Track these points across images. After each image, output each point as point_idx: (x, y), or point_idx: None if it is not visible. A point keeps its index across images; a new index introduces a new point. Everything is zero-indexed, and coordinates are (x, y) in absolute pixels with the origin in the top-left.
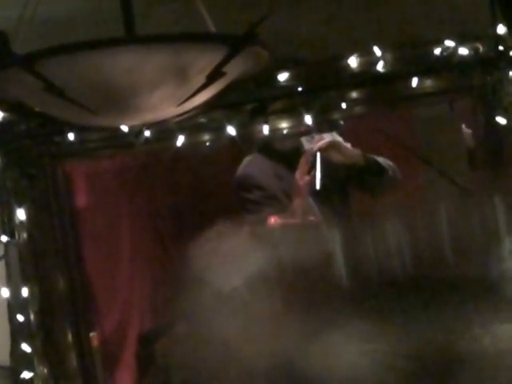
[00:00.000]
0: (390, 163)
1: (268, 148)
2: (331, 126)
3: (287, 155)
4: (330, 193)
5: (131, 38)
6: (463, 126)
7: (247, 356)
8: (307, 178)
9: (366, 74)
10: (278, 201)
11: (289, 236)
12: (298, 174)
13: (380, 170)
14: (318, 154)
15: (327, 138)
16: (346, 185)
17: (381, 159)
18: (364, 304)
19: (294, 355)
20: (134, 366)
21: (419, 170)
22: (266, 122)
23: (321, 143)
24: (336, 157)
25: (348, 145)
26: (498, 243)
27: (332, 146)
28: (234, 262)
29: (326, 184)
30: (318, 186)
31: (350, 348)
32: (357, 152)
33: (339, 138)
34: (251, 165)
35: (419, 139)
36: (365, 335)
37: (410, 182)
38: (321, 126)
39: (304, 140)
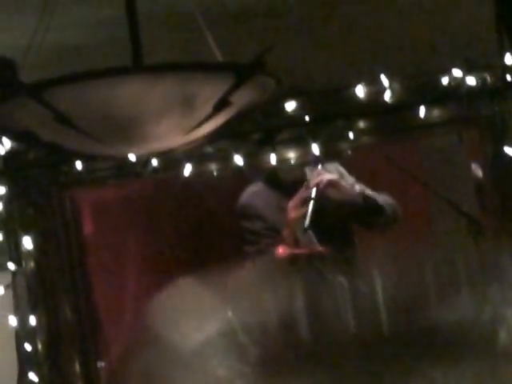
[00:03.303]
0: (390, 202)
1: (272, 178)
2: (338, 156)
3: (290, 186)
4: (331, 227)
5: (138, 67)
6: (471, 155)
7: None
8: (299, 211)
9: (373, 103)
10: (278, 232)
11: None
12: (290, 206)
13: (378, 209)
14: (313, 192)
15: (327, 174)
16: (346, 221)
17: (381, 198)
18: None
19: None
20: None
21: (426, 200)
22: (273, 152)
23: (318, 181)
24: (334, 194)
25: (350, 179)
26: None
27: (330, 184)
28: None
29: (326, 219)
30: (306, 225)
31: None
32: (356, 190)
33: (341, 171)
34: (254, 194)
35: (426, 169)
36: None
37: (417, 211)
38: (328, 155)
39: (308, 170)
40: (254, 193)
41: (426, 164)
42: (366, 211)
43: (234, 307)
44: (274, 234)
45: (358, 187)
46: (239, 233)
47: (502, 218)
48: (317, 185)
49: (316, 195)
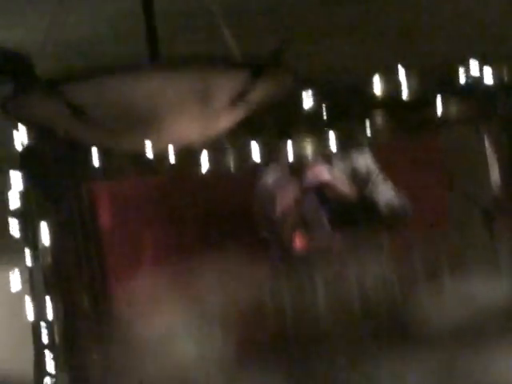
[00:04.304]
0: (396, 202)
1: (295, 165)
2: (355, 150)
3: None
4: (350, 219)
5: (155, 62)
6: (488, 150)
7: None
8: (285, 207)
9: (391, 96)
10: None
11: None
12: (279, 204)
13: (375, 210)
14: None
15: (322, 174)
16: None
17: (385, 199)
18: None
19: None
20: None
21: (444, 192)
22: (291, 146)
23: (311, 181)
24: (328, 193)
25: (378, 174)
26: None
27: (323, 186)
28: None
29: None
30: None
31: None
32: (350, 190)
33: (369, 163)
34: (273, 176)
35: (443, 162)
36: None
37: (435, 204)
38: (345, 149)
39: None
40: (273, 175)
41: (442, 157)
42: (363, 210)
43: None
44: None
45: (382, 182)
46: (256, 224)
47: None
48: (309, 184)
49: (303, 195)
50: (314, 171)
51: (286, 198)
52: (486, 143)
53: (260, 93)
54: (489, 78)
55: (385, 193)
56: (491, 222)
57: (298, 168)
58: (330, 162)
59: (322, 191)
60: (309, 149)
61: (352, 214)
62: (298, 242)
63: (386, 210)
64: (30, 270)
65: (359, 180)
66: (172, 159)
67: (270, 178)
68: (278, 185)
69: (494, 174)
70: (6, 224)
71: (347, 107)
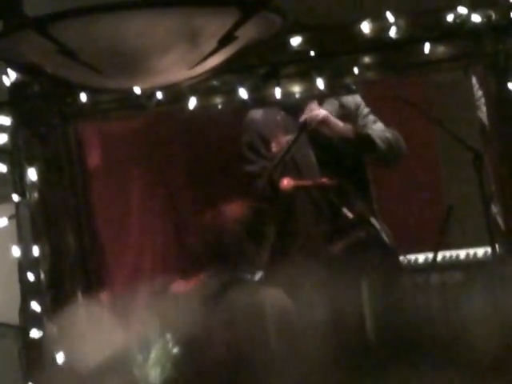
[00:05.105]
0: (390, 137)
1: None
2: (343, 90)
3: (297, 109)
4: (338, 160)
5: (144, 1)
6: (475, 91)
7: None
8: (282, 144)
9: (379, 39)
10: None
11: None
12: (274, 141)
13: (372, 145)
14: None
15: (319, 110)
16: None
17: (380, 133)
18: None
19: None
20: None
21: (432, 134)
22: (279, 86)
23: (309, 117)
24: (324, 130)
25: (366, 110)
26: None
27: (319, 121)
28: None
29: (333, 152)
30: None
31: None
32: (347, 127)
33: (358, 101)
34: (263, 112)
35: (431, 104)
36: None
37: (424, 146)
38: (333, 89)
39: None
40: (264, 111)
41: (430, 99)
42: (359, 147)
43: None
44: (270, 155)
45: (371, 118)
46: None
47: (504, 153)
48: (306, 120)
49: (301, 133)
50: (311, 109)
51: (281, 137)
52: (474, 83)
53: (248, 33)
54: (476, 19)
55: (376, 126)
56: (480, 161)
57: (290, 107)
58: (319, 101)
59: (313, 131)
60: (297, 88)
61: (341, 154)
62: (286, 182)
63: (381, 144)
64: (17, 205)
65: (349, 116)
66: (159, 97)
67: (257, 113)
68: (267, 121)
69: (482, 114)
70: None
71: (335, 49)
